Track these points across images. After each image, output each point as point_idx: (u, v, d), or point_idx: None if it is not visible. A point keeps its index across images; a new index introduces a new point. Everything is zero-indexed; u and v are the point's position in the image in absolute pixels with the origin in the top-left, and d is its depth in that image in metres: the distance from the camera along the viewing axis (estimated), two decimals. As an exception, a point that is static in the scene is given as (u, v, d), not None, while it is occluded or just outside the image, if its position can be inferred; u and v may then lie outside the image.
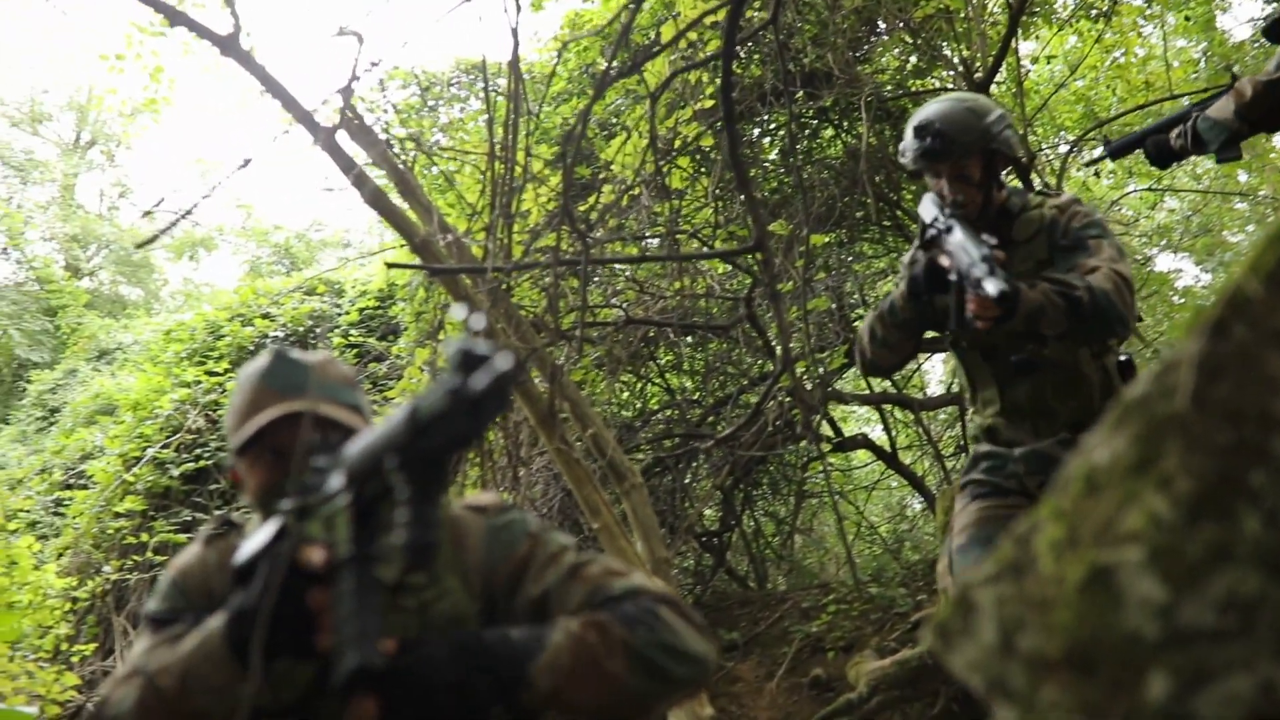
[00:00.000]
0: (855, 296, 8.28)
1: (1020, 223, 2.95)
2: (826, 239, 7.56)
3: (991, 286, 2.50)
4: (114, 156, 24.34)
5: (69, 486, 9.37)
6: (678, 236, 4.34)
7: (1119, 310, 2.64)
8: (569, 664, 1.52)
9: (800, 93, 6.88)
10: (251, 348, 9.48)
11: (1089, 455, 0.86)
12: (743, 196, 2.94)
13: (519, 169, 3.46)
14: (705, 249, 4.64)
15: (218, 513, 8.41)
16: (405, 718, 1.43)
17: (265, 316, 9.87)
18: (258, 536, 1.58)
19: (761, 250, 2.98)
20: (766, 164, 7.12)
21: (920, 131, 2.87)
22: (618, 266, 5.43)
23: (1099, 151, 4.03)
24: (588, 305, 4.90)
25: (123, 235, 22.71)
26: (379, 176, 3.99)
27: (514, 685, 1.50)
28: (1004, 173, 3.09)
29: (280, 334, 9.66)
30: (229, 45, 3.35)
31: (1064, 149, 8.89)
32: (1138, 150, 3.66)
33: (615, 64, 3.29)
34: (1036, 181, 6.56)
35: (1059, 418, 2.89)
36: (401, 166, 3.55)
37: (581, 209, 4.84)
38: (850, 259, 8.19)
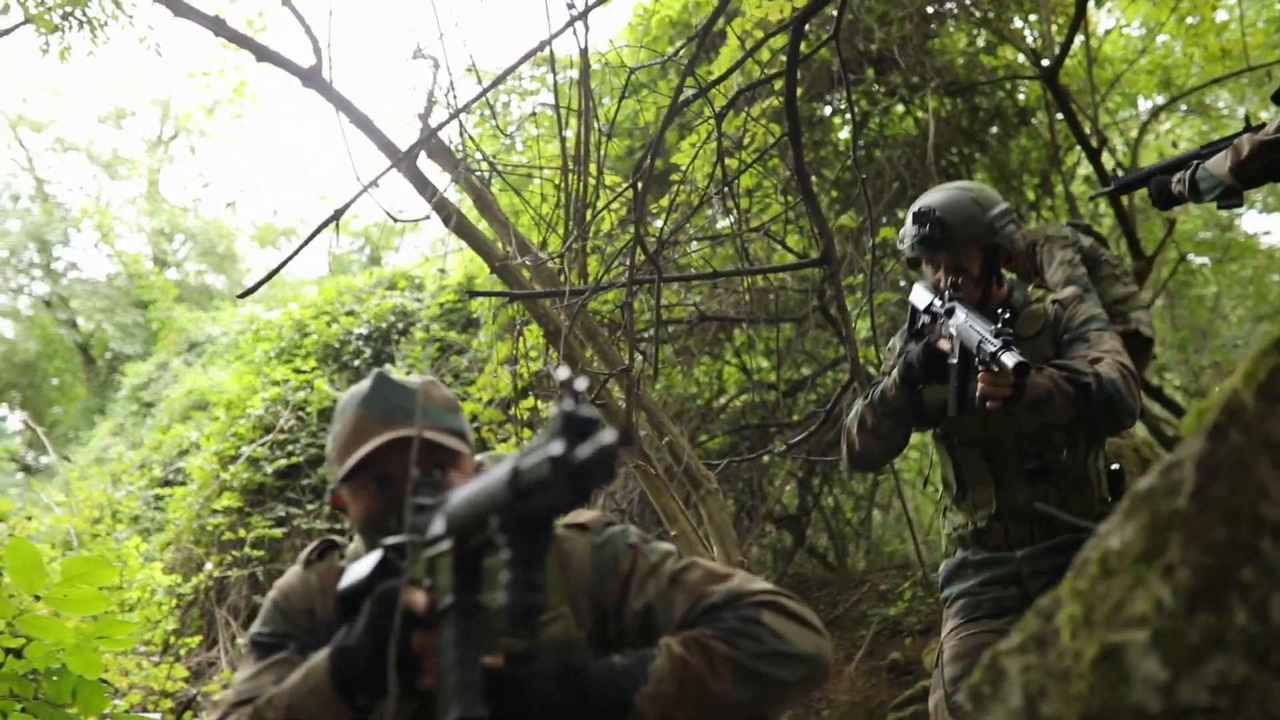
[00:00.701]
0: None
1: (1024, 318, 2.82)
2: (902, 214, 7.60)
3: (1009, 358, 2.41)
4: (196, 150, 24.90)
5: (167, 483, 9.78)
6: (747, 235, 4.42)
7: (1128, 402, 2.55)
8: (674, 691, 1.53)
9: (871, 70, 6.91)
10: (337, 345, 9.79)
11: (1105, 540, 0.96)
12: (809, 210, 3.03)
13: (591, 181, 3.58)
14: (775, 244, 4.73)
15: (310, 508, 8.75)
16: None
17: (349, 314, 10.17)
18: (361, 566, 1.62)
19: (828, 263, 3.07)
20: (837, 145, 7.16)
21: (920, 218, 2.76)
22: (692, 260, 5.51)
23: (1109, 186, 4.04)
24: (662, 306, 5.02)
25: (207, 227, 23.34)
26: (455, 188, 4.14)
27: (618, 713, 1.51)
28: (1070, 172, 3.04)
29: (364, 330, 9.94)
30: (311, 78, 3.50)
31: (1142, 119, 8.77)
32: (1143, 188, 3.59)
33: (682, 57, 3.38)
34: (1109, 161, 6.49)
35: (1059, 523, 2.75)
36: (479, 184, 3.70)
37: (653, 208, 4.96)
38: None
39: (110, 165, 23.50)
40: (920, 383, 2.74)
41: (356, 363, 9.67)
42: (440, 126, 2.97)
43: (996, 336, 2.47)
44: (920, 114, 6.71)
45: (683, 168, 3.99)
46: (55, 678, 3.14)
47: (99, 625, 3.24)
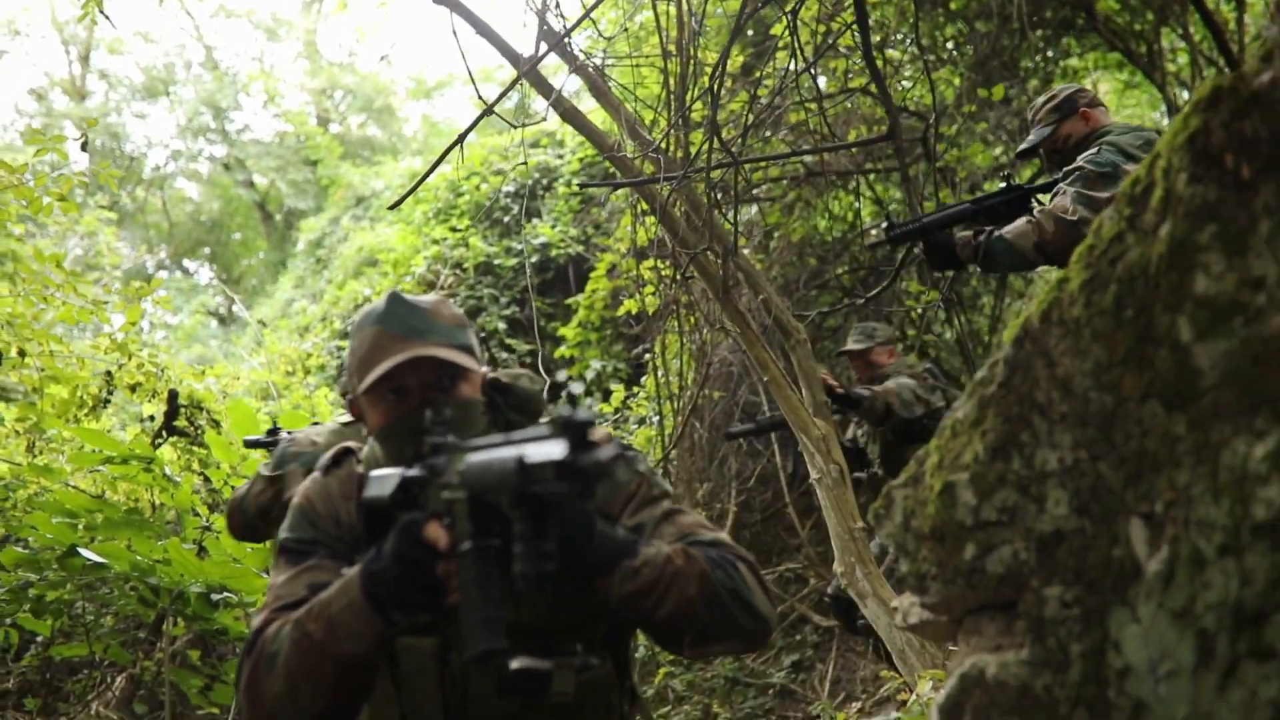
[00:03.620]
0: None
1: None
2: (1038, 35, 7.58)
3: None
4: (348, 5, 25.43)
5: (346, 334, 10.67)
6: (833, 102, 4.66)
7: None
8: (651, 576, 1.65)
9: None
10: (487, 203, 10.40)
11: (956, 411, 1.40)
12: (877, 89, 3.34)
13: (691, 64, 3.95)
14: (877, 102, 4.98)
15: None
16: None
17: (497, 173, 10.72)
18: (382, 480, 1.75)
19: (893, 139, 3.38)
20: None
21: None
22: (804, 104, 5.74)
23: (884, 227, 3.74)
24: (772, 164, 5.37)
25: (364, 82, 24.09)
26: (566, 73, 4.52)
27: (601, 569, 1.62)
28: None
29: (511, 188, 10.50)
30: (439, -9, 3.94)
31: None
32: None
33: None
34: (1251, 29, 6.33)
35: None
36: (591, 69, 4.09)
37: (756, 74, 5.26)
38: (1058, 56, 8.08)
39: (271, 30, 24.41)
40: None
41: (506, 219, 10.26)
42: (562, 38, 3.32)
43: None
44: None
45: (776, 36, 4.29)
46: (273, 510, 3.88)
47: (303, 467, 3.96)
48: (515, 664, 1.57)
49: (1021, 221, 3.27)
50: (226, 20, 24.35)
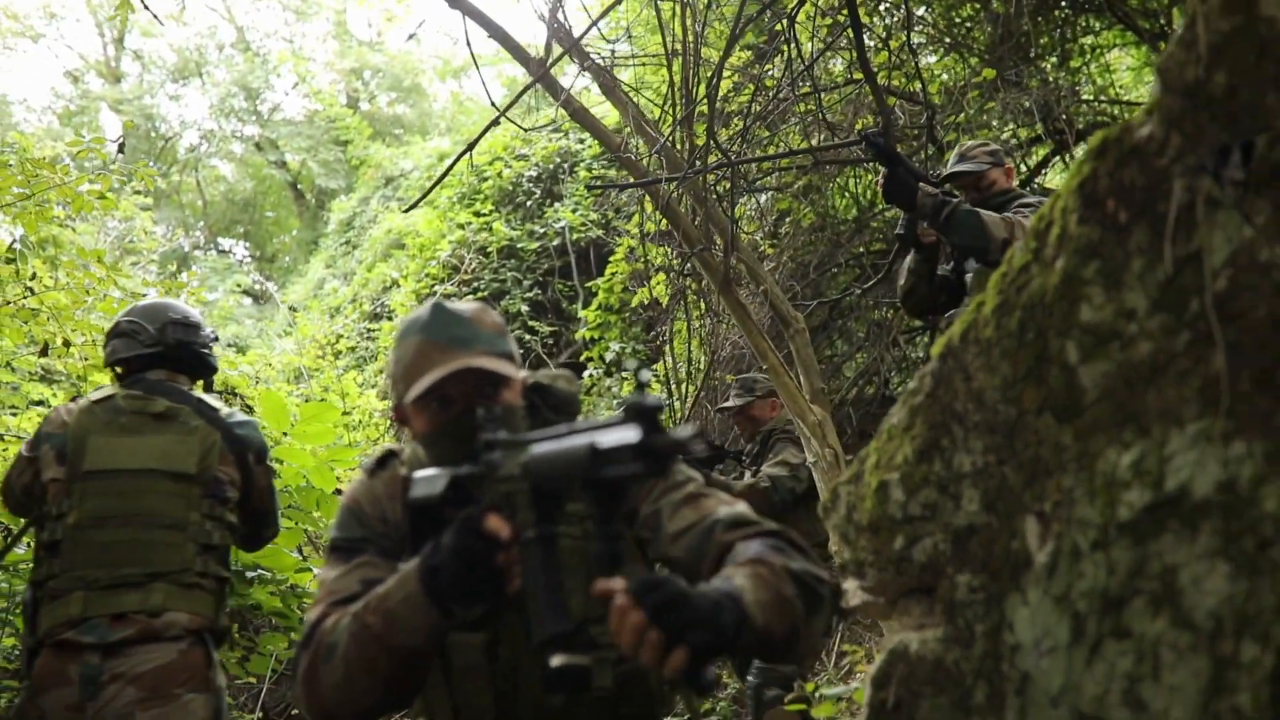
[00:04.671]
0: (1083, 75, 8.23)
1: None
2: (1057, 14, 7.62)
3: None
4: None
5: (375, 316, 10.95)
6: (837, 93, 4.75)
7: None
8: (767, 598, 1.62)
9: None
10: (510, 188, 10.57)
11: (892, 417, 1.57)
12: (873, 93, 3.47)
13: (695, 64, 4.09)
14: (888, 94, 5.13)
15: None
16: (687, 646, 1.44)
17: (520, 158, 10.88)
18: (429, 481, 1.78)
19: (886, 139, 3.53)
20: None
21: None
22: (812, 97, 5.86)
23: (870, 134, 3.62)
24: (780, 155, 5.50)
25: (392, 61, 24.25)
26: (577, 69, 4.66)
27: (740, 626, 1.55)
28: None
29: (533, 173, 10.65)
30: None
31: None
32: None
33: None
34: None
35: None
36: (602, 65, 4.24)
37: (760, 69, 5.39)
38: (1074, 35, 8.09)
39: (300, 11, 24.60)
40: None
41: (529, 203, 10.44)
42: (573, 45, 3.48)
43: None
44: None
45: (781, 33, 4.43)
46: (303, 492, 4.10)
47: (330, 452, 4.17)
48: (555, 661, 1.56)
49: (998, 215, 3.40)
50: (256, 1, 24.59)
